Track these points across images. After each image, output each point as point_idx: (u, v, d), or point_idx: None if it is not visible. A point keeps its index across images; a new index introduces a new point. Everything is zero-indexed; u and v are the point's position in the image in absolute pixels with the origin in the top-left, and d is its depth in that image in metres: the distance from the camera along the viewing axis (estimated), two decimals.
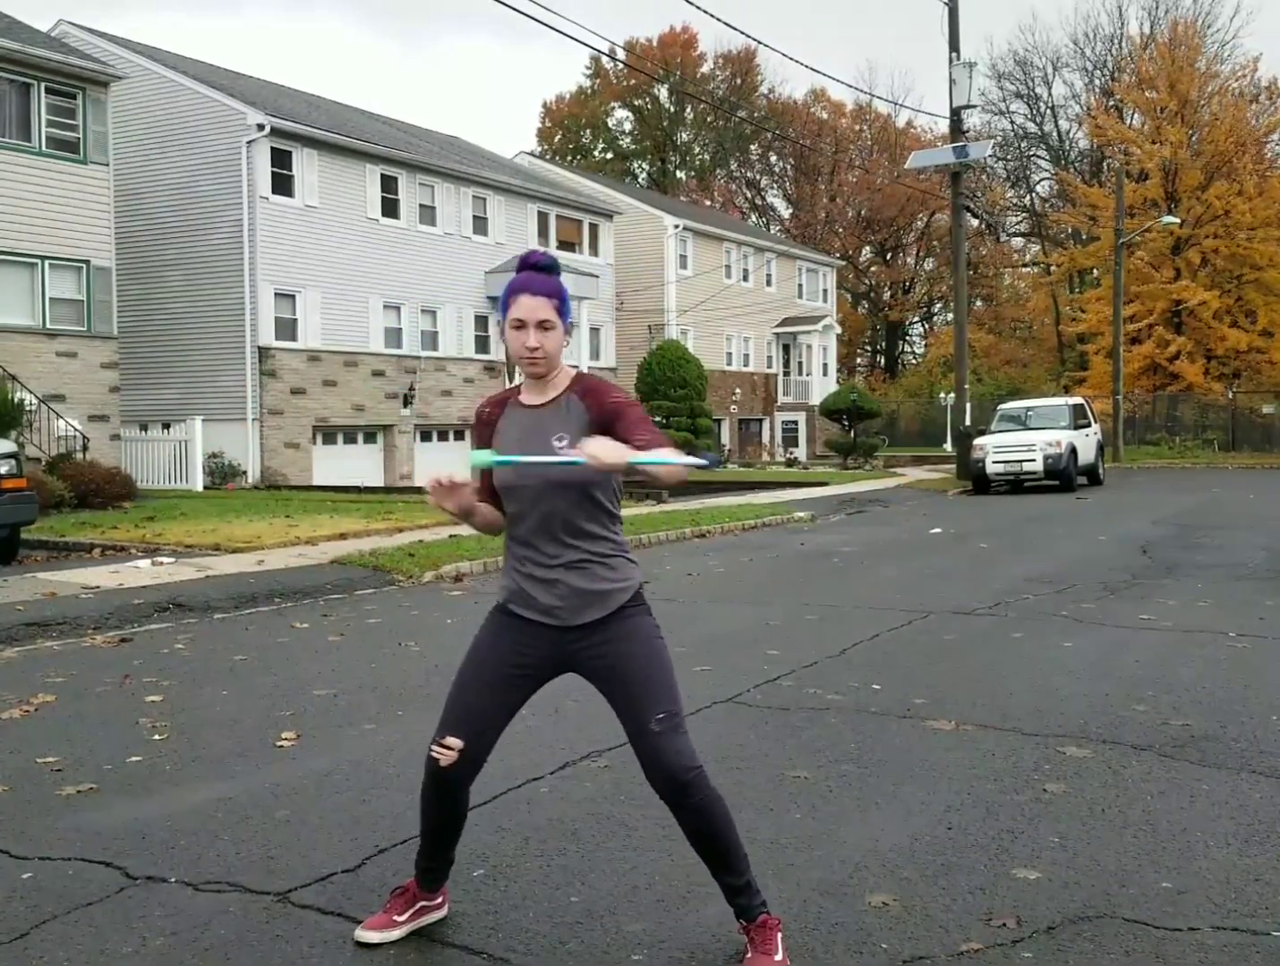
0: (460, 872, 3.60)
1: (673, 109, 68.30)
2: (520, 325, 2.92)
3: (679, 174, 68.17)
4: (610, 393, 3.00)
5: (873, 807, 4.20)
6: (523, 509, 2.99)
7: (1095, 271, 50.88)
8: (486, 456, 2.91)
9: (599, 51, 75.63)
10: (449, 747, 3.03)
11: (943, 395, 43.99)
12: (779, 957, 2.93)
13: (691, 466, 2.81)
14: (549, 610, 2.99)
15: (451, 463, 26.64)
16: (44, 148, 19.40)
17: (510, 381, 30.15)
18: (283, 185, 24.17)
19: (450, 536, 13.10)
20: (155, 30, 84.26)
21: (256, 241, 23.51)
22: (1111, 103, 51.75)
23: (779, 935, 2.97)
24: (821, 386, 42.82)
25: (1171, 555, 11.89)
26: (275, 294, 23.99)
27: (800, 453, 39.76)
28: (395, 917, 3.18)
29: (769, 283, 42.14)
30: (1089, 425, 24.91)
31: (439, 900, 3.29)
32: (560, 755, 4.85)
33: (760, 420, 41.58)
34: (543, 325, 2.92)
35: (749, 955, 2.95)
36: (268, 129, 23.38)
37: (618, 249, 34.91)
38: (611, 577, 2.99)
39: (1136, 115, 49.26)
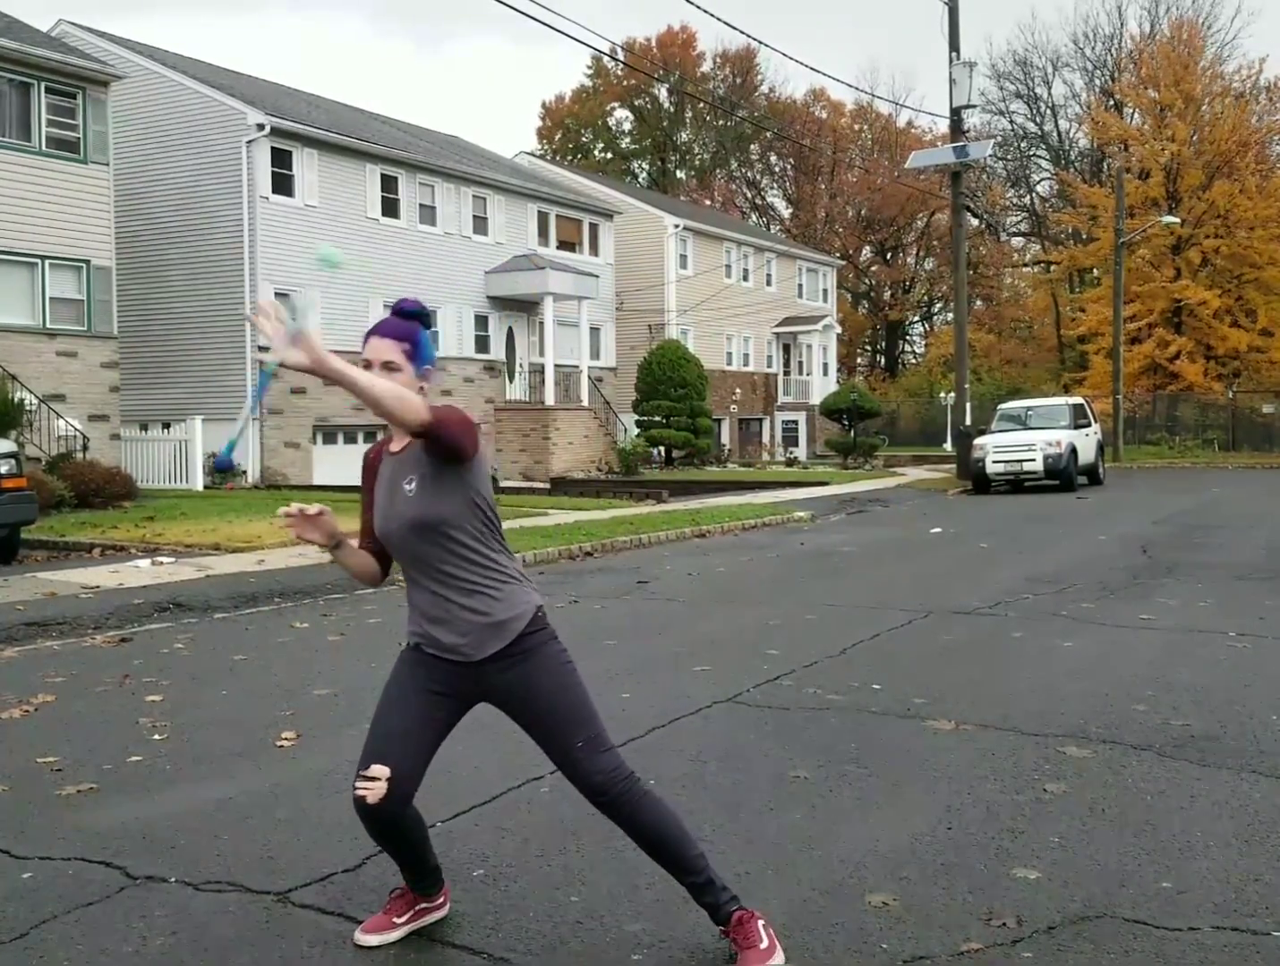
0: (460, 872, 3.60)
1: (672, 109, 68.30)
2: (366, 366, 2.95)
3: (679, 174, 68.18)
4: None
5: (873, 807, 4.20)
6: (398, 555, 3.04)
7: (1095, 271, 50.89)
8: (331, 252, 2.93)
9: (599, 51, 75.68)
10: (374, 778, 2.96)
11: (943, 395, 44.00)
12: (765, 945, 2.94)
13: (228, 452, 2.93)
14: (454, 648, 3.01)
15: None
16: (44, 147, 19.40)
17: (510, 382, 30.18)
18: (283, 185, 24.17)
19: None
20: (173, 32, 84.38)
21: (256, 241, 23.51)
22: (1111, 102, 51.75)
23: (759, 922, 2.99)
24: (821, 386, 42.81)
25: (1172, 555, 11.89)
26: (275, 293, 23.96)
27: (800, 452, 39.76)
28: (394, 919, 3.18)
29: (769, 282, 42.13)
30: (1089, 425, 24.91)
31: (439, 900, 3.29)
32: None
33: (760, 420, 41.58)
34: (386, 366, 2.93)
35: (738, 957, 2.96)
36: (268, 129, 23.38)
37: (618, 249, 34.90)
38: (503, 606, 2.99)
39: (1137, 114, 49.26)
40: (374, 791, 2.96)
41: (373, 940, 3.13)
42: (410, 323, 3.01)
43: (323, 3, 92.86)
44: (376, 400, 2.69)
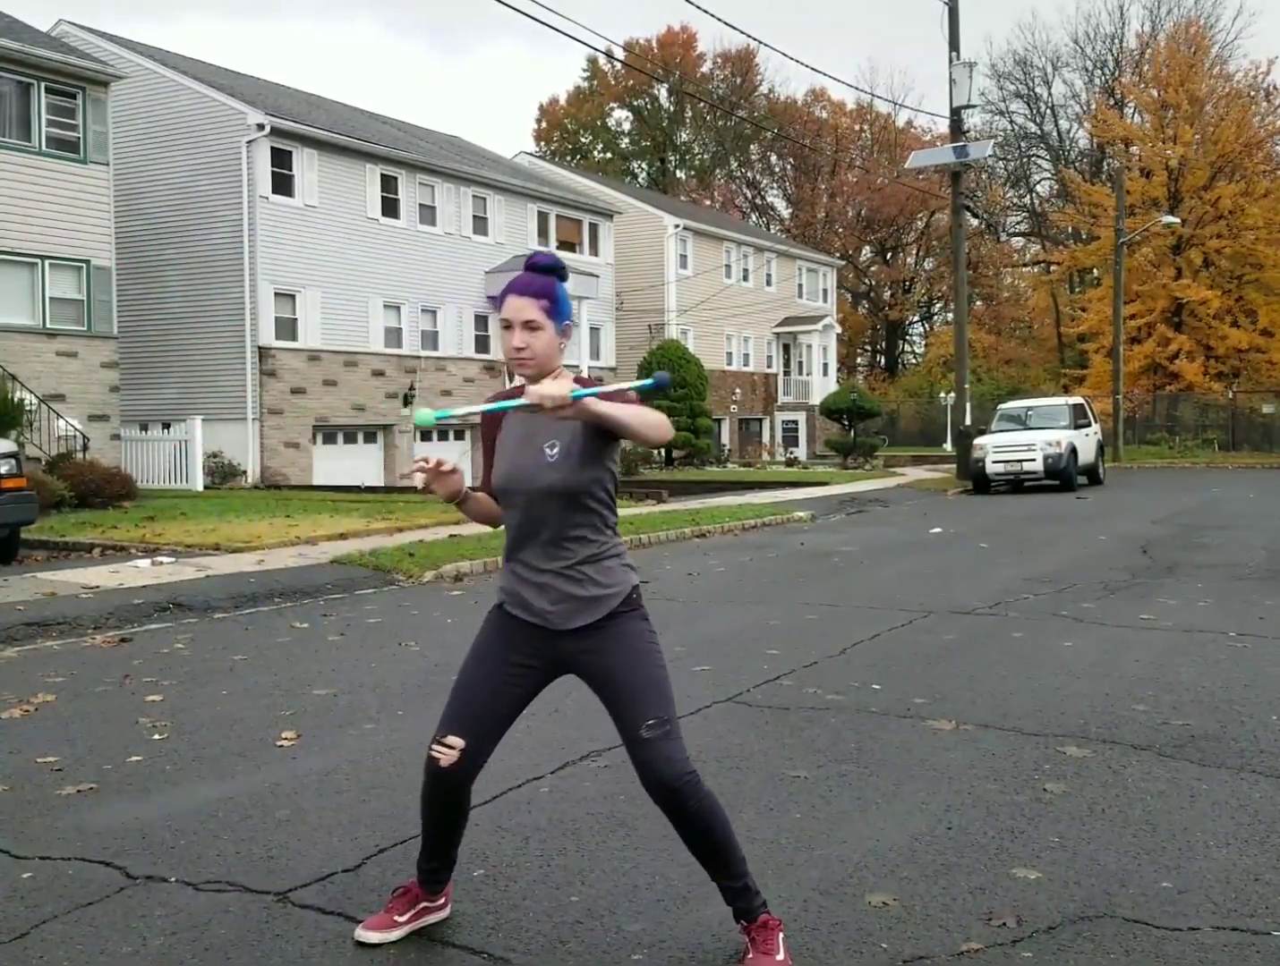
0: (460, 872, 3.60)
1: (672, 109, 68.29)
2: (508, 325, 2.90)
3: (679, 174, 68.16)
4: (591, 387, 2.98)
5: (873, 807, 4.20)
6: (515, 514, 2.98)
7: (1096, 271, 50.89)
8: (428, 415, 2.79)
9: (597, 51, 75.65)
10: (450, 746, 3.00)
11: (943, 395, 43.99)
12: (780, 957, 2.93)
13: (641, 390, 2.78)
14: (542, 614, 2.98)
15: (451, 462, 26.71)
16: (44, 147, 19.40)
17: (510, 382, 30.15)
18: (283, 185, 24.17)
19: (450, 536, 13.10)
20: (178, 35, 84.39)
21: (256, 241, 23.52)
22: (1112, 102, 51.75)
23: (780, 935, 2.97)
24: (821, 386, 42.81)
25: (1171, 555, 11.89)
26: (275, 294, 23.99)
27: (800, 452, 39.76)
28: (396, 918, 3.18)
29: (769, 282, 42.13)
30: (1089, 425, 24.91)
31: (441, 901, 3.28)
32: (560, 755, 4.85)
33: (760, 420, 41.59)
34: (528, 325, 2.88)
35: (750, 955, 2.94)
36: (268, 129, 23.38)
37: (618, 249, 34.91)
38: (602, 583, 2.97)
39: (1139, 114, 49.25)
40: (447, 757, 2.99)
41: (373, 937, 3.13)
42: (547, 277, 2.93)
43: (329, 8, 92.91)
44: (637, 433, 2.73)
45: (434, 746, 3.02)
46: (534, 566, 2.98)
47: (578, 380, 2.96)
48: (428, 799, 3.10)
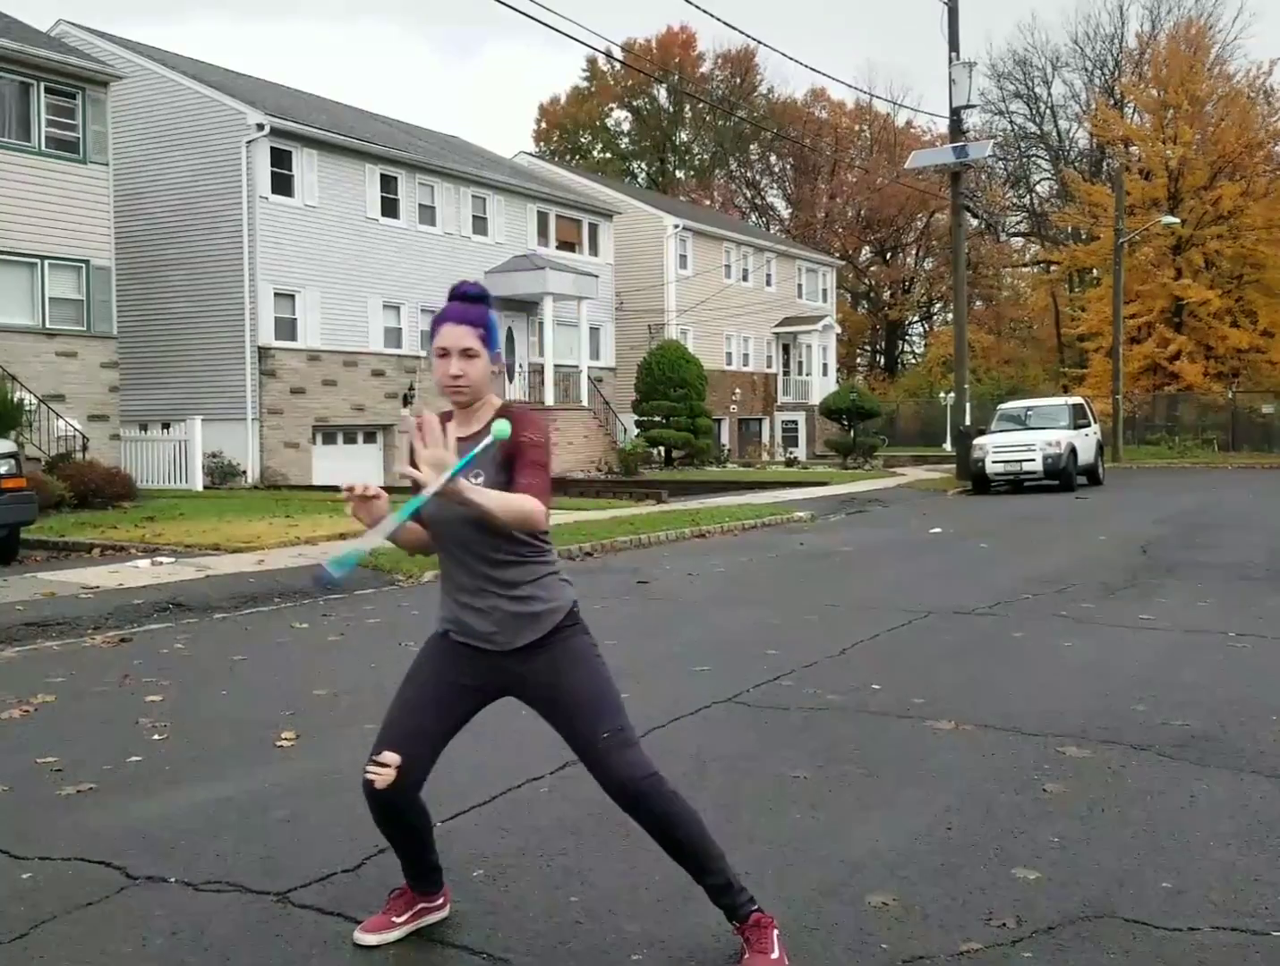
0: (460, 872, 3.60)
1: (671, 109, 68.29)
2: (444, 353, 2.91)
3: (678, 174, 68.15)
4: (523, 429, 2.91)
5: (873, 807, 4.20)
6: (444, 540, 2.99)
7: (1095, 271, 50.89)
8: (342, 558, 2.73)
9: (597, 50, 75.67)
10: (384, 764, 2.96)
11: (943, 395, 43.99)
12: (775, 956, 2.93)
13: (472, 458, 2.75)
14: (486, 636, 2.99)
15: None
16: (44, 147, 19.40)
17: (510, 383, 30.15)
18: (283, 185, 24.16)
19: None
20: (196, 37, 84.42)
21: (256, 241, 23.51)
22: (1112, 102, 51.75)
23: (774, 932, 2.97)
24: (821, 386, 42.80)
25: (1171, 555, 11.89)
26: (275, 294, 23.99)
27: (800, 452, 39.75)
28: (394, 919, 3.18)
29: (769, 283, 42.13)
30: (1089, 425, 24.91)
31: (439, 901, 3.28)
32: (560, 755, 4.82)
33: (760, 420, 41.59)
34: (466, 353, 2.90)
35: (746, 955, 2.95)
36: (267, 129, 23.38)
37: (618, 249, 34.91)
38: (544, 599, 2.98)
39: (1138, 114, 49.26)
40: (382, 777, 2.97)
41: (371, 939, 3.13)
42: (478, 306, 2.96)
43: (328, 9, 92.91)
44: (499, 523, 2.79)
45: (368, 768, 3.00)
46: (470, 590, 2.99)
47: (502, 411, 2.98)
48: (376, 820, 3.10)
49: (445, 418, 2.99)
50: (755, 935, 2.95)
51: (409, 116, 46.92)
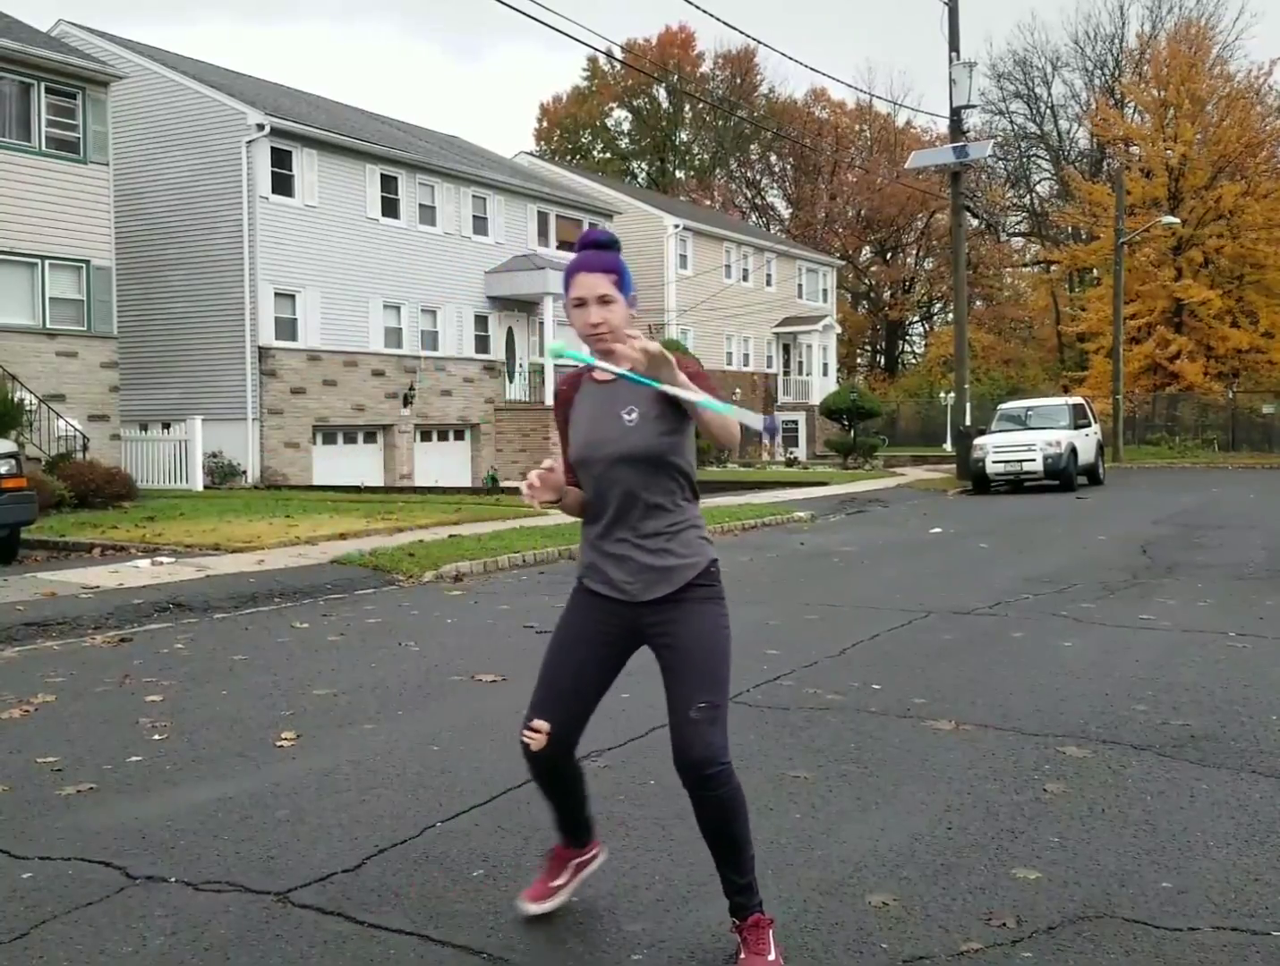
0: (460, 872, 3.60)
1: (671, 109, 68.28)
2: (581, 303, 2.92)
3: (678, 174, 68.15)
4: (685, 366, 2.98)
5: (873, 807, 4.20)
6: (595, 483, 2.98)
7: (1095, 271, 50.89)
8: (559, 345, 2.87)
9: (597, 50, 75.65)
10: (537, 730, 3.02)
11: (943, 395, 44.00)
12: (772, 957, 2.93)
13: (743, 423, 2.79)
14: (621, 586, 2.99)
15: (450, 464, 26.34)
16: (44, 147, 19.40)
17: (510, 382, 30.16)
18: (283, 185, 24.17)
19: (450, 536, 13.10)
20: (201, 38, 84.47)
21: (256, 241, 23.52)
22: (1112, 101, 51.73)
23: (770, 933, 2.97)
24: (821, 386, 42.81)
25: (1171, 555, 11.89)
26: (275, 294, 23.99)
27: (800, 452, 39.76)
28: (552, 883, 3.26)
29: (769, 282, 42.13)
30: (1089, 425, 24.91)
31: (592, 851, 3.34)
32: None
33: None
34: (603, 300, 2.92)
35: (742, 955, 2.95)
36: (268, 129, 23.38)
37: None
38: (680, 554, 2.97)
39: (1139, 114, 49.24)
40: (535, 741, 3.02)
41: (537, 908, 3.21)
42: (610, 252, 2.97)
43: (330, 10, 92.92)
44: (714, 432, 2.80)
45: (524, 731, 3.06)
46: (611, 537, 2.98)
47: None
48: (534, 776, 3.18)
49: (588, 370, 3.01)
50: (754, 936, 2.95)
51: (409, 116, 46.90)
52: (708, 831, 3.01)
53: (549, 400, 29.49)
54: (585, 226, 33.44)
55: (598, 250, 2.97)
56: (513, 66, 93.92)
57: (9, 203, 18.84)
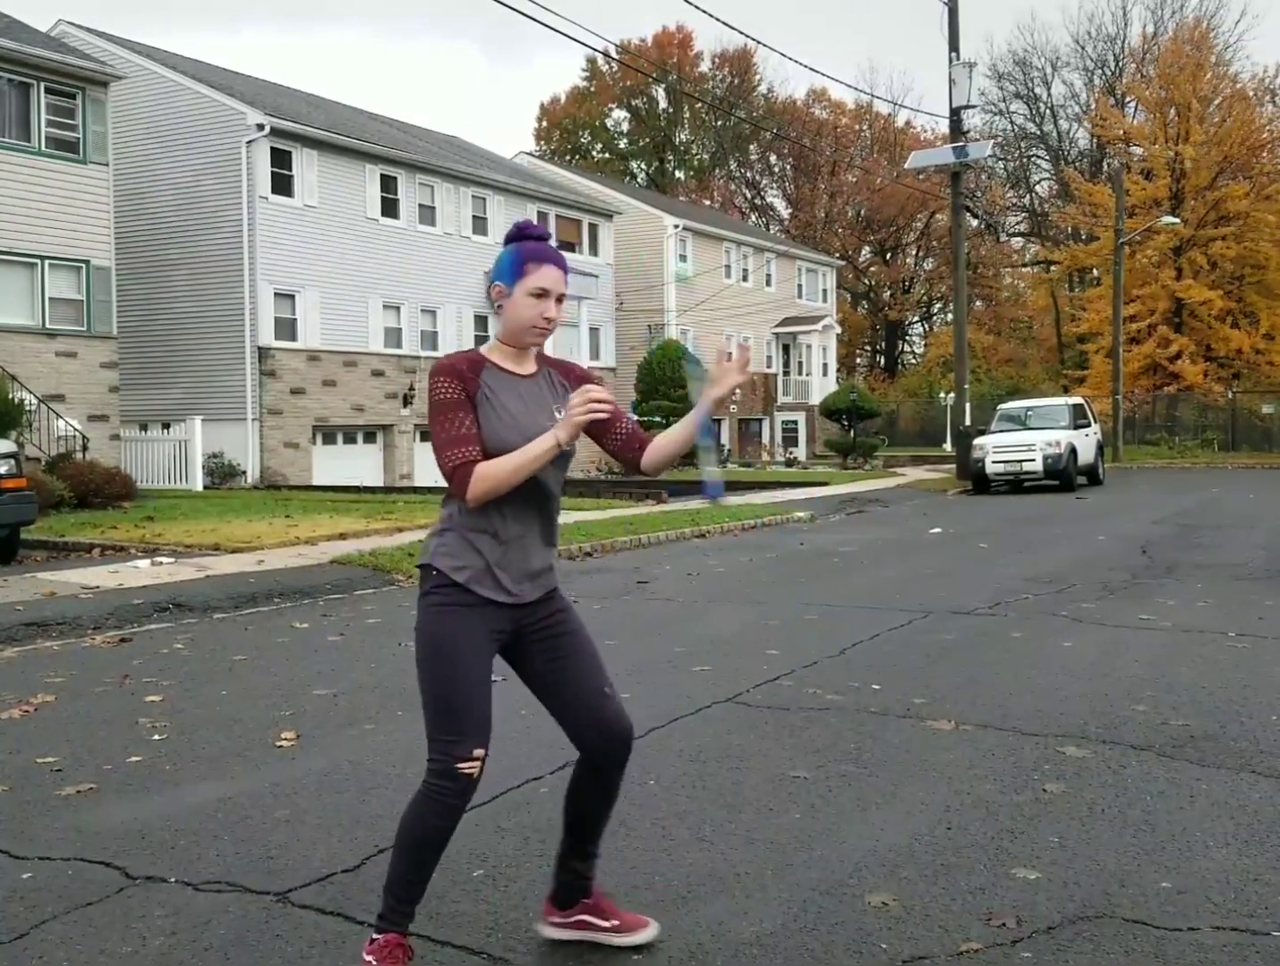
0: (460, 872, 3.60)
1: (670, 109, 68.28)
2: (543, 294, 2.88)
3: (678, 174, 68.15)
4: (577, 370, 3.08)
5: (872, 807, 4.20)
6: (537, 484, 2.92)
7: (1096, 271, 50.88)
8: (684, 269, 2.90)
9: (595, 50, 75.64)
10: (477, 759, 2.85)
11: (943, 395, 43.97)
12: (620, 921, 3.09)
13: (705, 478, 2.96)
14: (516, 589, 2.90)
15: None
16: (44, 147, 19.40)
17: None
18: (283, 185, 24.17)
19: None
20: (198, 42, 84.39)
21: (256, 241, 23.51)
22: (1113, 101, 51.73)
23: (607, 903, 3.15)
24: (821, 386, 42.80)
25: (1171, 555, 11.89)
26: (275, 294, 23.99)
27: (800, 452, 39.75)
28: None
29: (769, 282, 42.13)
30: (1089, 425, 24.92)
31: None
32: (560, 755, 4.83)
33: (760, 420, 41.57)
34: (559, 299, 2.93)
35: (601, 921, 3.09)
36: (267, 129, 23.38)
37: (618, 249, 34.90)
38: (554, 552, 3.05)
39: (1139, 114, 49.24)
40: (477, 769, 2.87)
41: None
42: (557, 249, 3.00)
43: (326, 8, 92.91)
44: (661, 461, 2.99)
45: (462, 765, 2.82)
46: (523, 535, 2.90)
47: (540, 358, 3.05)
48: (452, 820, 2.89)
49: (477, 357, 2.92)
50: (608, 904, 3.12)
51: (409, 116, 46.91)
52: (605, 804, 3.08)
53: None
54: (585, 226, 33.48)
55: (543, 242, 2.94)
56: (513, 66, 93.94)
57: (9, 203, 18.84)
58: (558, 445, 2.76)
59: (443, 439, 2.78)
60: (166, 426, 22.93)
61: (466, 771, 2.82)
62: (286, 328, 24.25)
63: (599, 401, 2.75)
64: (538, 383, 2.96)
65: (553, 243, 3.01)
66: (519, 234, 2.95)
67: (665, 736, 5.14)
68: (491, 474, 2.76)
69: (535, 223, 3.03)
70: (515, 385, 2.92)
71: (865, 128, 65.86)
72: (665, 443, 2.98)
